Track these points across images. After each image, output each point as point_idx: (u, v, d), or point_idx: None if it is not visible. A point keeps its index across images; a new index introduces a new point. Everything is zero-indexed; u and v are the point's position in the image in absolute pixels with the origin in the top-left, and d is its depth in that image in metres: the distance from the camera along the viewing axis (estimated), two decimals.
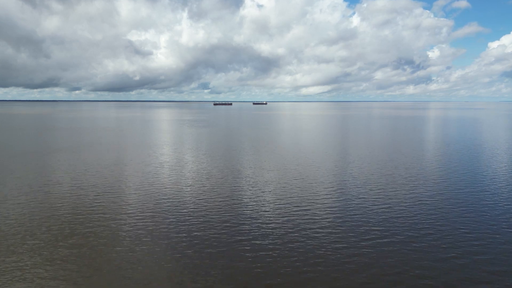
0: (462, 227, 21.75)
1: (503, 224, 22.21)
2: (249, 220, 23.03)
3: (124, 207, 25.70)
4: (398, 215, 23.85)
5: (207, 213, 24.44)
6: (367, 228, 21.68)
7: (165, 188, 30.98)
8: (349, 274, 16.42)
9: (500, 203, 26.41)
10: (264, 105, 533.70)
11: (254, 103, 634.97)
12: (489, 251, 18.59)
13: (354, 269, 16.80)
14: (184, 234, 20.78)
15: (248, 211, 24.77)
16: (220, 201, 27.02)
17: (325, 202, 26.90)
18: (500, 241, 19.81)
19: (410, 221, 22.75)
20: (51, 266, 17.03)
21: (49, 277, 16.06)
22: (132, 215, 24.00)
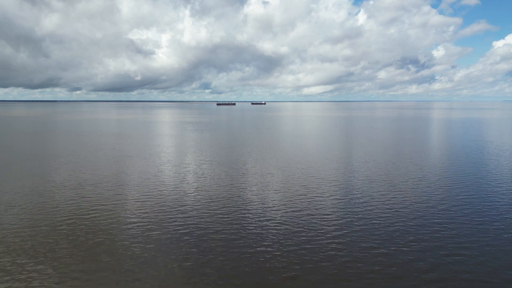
0: (469, 230, 22.05)
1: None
2: (254, 223, 23.37)
3: (127, 209, 25.96)
4: (403, 218, 24.16)
5: (211, 215, 24.74)
6: (372, 230, 22.03)
7: (169, 190, 31.19)
8: (352, 276, 16.77)
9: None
10: (263, 105, 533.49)
11: (252, 103, 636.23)
12: (496, 254, 18.92)
13: (356, 271, 17.14)
14: (189, 236, 21.14)
15: (253, 215, 25.09)
16: (224, 204, 27.28)
17: (330, 204, 27.20)
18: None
19: (414, 223, 23.07)
20: (55, 267, 17.43)
21: (53, 278, 16.50)
22: (136, 217, 24.29)
